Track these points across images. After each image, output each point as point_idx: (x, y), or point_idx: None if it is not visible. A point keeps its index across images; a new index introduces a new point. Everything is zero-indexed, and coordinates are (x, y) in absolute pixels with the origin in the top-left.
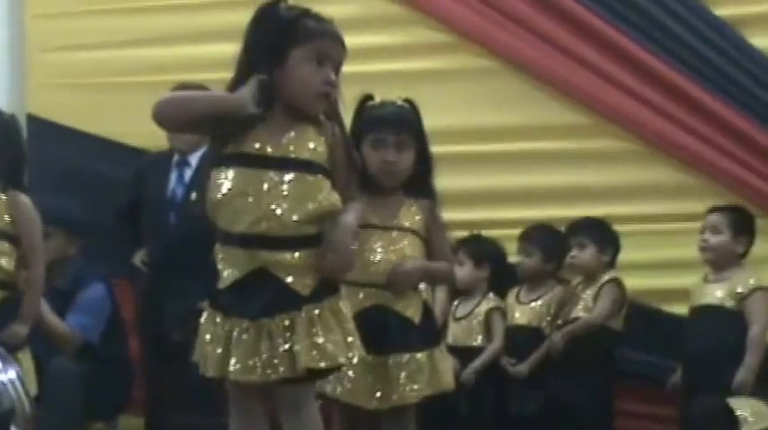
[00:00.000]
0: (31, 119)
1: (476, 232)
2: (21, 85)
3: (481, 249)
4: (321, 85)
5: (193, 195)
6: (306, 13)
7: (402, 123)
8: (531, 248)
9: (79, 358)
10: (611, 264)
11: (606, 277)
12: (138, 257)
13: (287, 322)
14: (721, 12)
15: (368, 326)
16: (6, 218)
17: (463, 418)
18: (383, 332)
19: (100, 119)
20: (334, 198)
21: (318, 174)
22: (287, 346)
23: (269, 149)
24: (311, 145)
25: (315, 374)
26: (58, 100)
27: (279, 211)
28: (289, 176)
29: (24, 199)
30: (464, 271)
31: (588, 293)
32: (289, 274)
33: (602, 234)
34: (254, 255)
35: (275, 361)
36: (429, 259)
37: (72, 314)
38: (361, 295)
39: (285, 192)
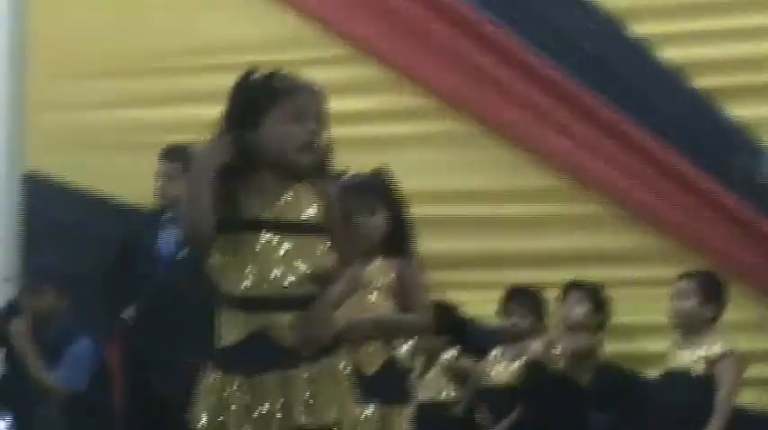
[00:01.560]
0: (27, 178)
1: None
2: (18, 144)
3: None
4: (303, 136)
5: (180, 254)
6: (275, 74)
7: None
8: (523, 310)
9: (66, 409)
10: (601, 327)
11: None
12: (128, 314)
13: (282, 380)
14: (700, 83)
15: None
16: None
17: None
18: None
19: (95, 177)
20: (329, 260)
21: (313, 235)
22: (279, 405)
23: (263, 214)
24: (305, 206)
25: None
26: (54, 159)
27: (273, 275)
28: (283, 239)
29: None
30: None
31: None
32: (287, 335)
33: (597, 297)
34: (253, 318)
35: (267, 419)
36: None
37: (60, 367)
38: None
39: (281, 254)
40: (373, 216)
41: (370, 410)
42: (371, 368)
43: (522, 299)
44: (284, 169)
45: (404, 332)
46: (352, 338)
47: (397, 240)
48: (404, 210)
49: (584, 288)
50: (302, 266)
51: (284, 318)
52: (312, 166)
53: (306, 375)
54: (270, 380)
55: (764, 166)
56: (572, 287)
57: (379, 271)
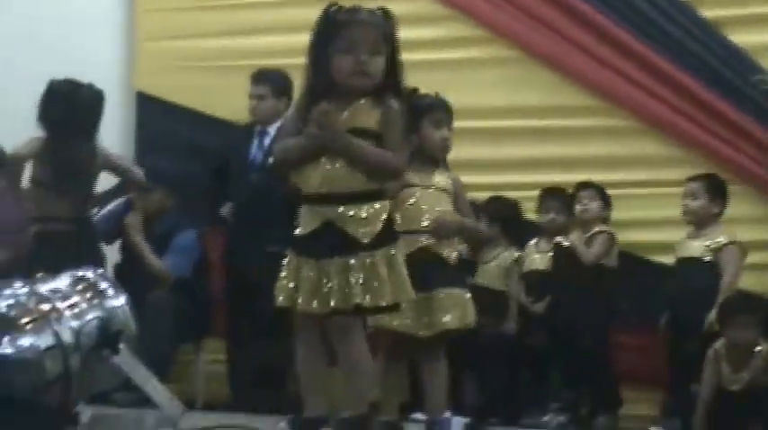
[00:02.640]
0: (139, 97)
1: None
2: (131, 68)
3: (498, 209)
4: (353, 65)
5: (271, 160)
6: (337, 10)
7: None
8: (557, 207)
9: (172, 292)
10: (606, 221)
11: (598, 229)
12: (225, 210)
13: (345, 264)
14: (707, 13)
15: (415, 266)
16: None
17: (485, 348)
18: (427, 271)
19: (196, 96)
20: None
21: (370, 139)
22: (341, 285)
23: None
24: (363, 116)
25: (362, 311)
26: (161, 80)
27: (337, 173)
28: None
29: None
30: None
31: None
32: (350, 225)
33: (604, 195)
34: (323, 211)
35: (331, 296)
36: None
37: (168, 255)
38: (411, 241)
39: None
40: (440, 130)
41: (457, 293)
42: (453, 257)
43: (556, 197)
44: (345, 90)
45: (478, 238)
46: (439, 234)
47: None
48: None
49: (594, 186)
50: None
51: (348, 211)
52: (366, 88)
53: (367, 261)
54: (333, 263)
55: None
56: (583, 186)
57: (447, 178)
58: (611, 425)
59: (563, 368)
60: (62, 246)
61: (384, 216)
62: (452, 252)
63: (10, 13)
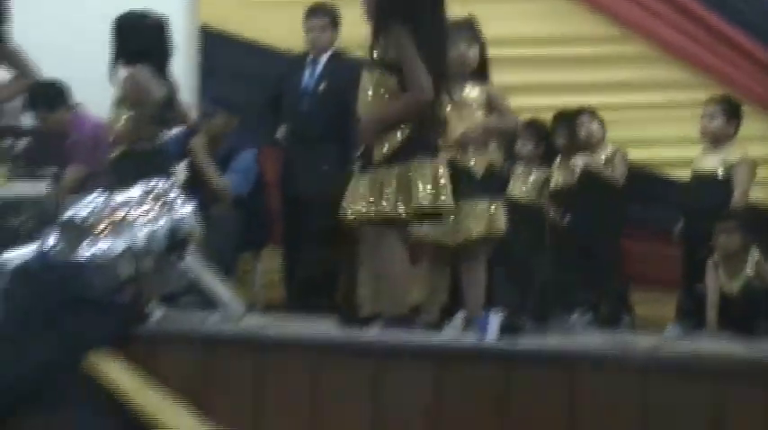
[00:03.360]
0: (203, 29)
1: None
2: (195, 3)
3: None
4: None
5: (322, 86)
6: None
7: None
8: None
9: (233, 207)
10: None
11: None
12: (280, 133)
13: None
14: None
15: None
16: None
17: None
18: (455, 184)
19: (255, 28)
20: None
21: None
22: (388, 193)
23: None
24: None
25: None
26: (222, 14)
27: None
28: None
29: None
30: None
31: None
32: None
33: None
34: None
35: (380, 203)
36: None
37: (229, 174)
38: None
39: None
40: (471, 48)
41: (483, 205)
42: (480, 171)
43: (561, 123)
44: None
45: (505, 132)
46: (467, 143)
47: (483, 68)
48: (485, 45)
49: (590, 111)
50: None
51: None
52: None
53: (411, 172)
54: (392, 171)
55: None
56: (581, 111)
57: (478, 92)
58: (633, 324)
59: (584, 274)
60: (141, 164)
61: (398, 137)
62: (481, 165)
63: None
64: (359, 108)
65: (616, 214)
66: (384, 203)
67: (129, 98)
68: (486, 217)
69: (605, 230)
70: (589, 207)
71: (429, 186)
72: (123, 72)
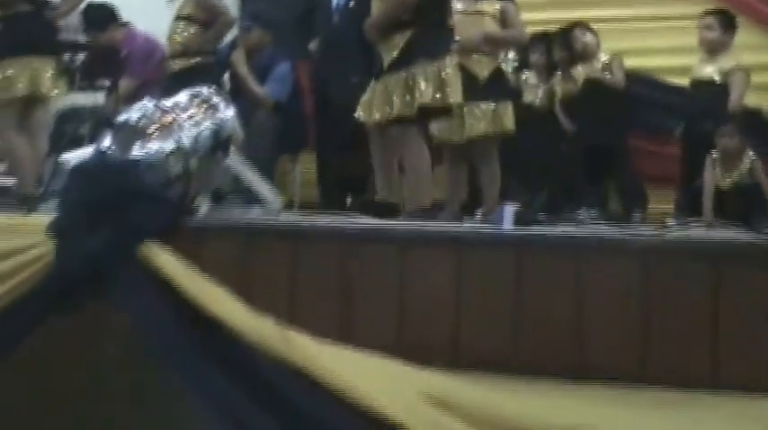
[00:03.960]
0: None
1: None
2: None
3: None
4: None
5: (352, 2)
6: None
7: None
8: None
9: (272, 113)
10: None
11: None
12: (313, 45)
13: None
14: None
15: None
16: None
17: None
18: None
19: None
20: None
21: None
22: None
23: None
24: None
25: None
26: None
27: None
28: None
29: None
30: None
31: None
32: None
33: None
34: None
35: (390, 105)
36: None
37: (268, 83)
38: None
39: None
40: None
41: (485, 106)
42: (484, 75)
43: (558, 38)
44: None
45: (513, 43)
46: (469, 48)
47: None
48: None
49: (583, 24)
50: None
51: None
52: None
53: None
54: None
55: None
56: (575, 25)
57: (494, 5)
58: (644, 219)
59: (592, 170)
60: (202, 75)
61: (400, 43)
62: (487, 69)
63: None
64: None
65: (621, 116)
66: (395, 105)
67: (200, 16)
68: (488, 117)
69: (612, 132)
70: (595, 111)
71: (431, 85)
72: None
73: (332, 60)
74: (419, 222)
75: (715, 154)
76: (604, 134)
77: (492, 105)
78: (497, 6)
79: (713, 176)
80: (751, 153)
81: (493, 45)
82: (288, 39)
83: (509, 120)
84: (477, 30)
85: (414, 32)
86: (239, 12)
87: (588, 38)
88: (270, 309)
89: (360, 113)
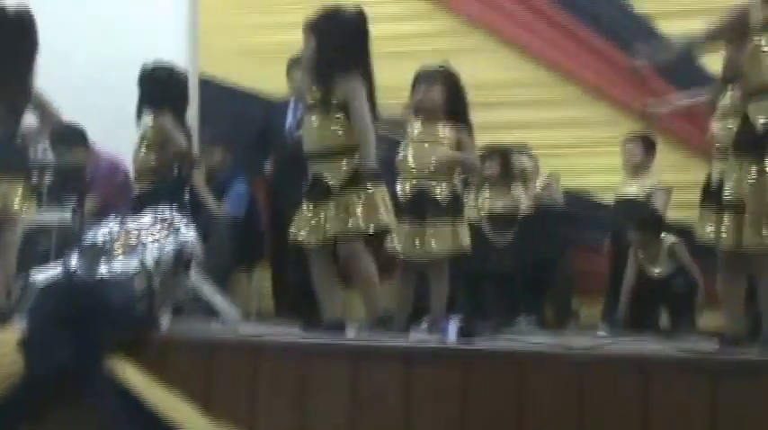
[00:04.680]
0: (202, 79)
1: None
2: (195, 58)
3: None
4: None
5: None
6: None
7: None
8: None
9: (230, 228)
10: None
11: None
12: (268, 165)
13: (331, 203)
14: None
15: (414, 204)
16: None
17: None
18: (421, 209)
19: (246, 79)
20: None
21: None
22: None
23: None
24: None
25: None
26: (218, 67)
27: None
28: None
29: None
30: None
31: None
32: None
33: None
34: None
35: (323, 228)
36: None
37: (226, 200)
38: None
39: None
40: (416, 93)
41: (444, 226)
42: (442, 196)
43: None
44: None
45: (466, 166)
46: (426, 171)
47: (456, 109)
48: (461, 91)
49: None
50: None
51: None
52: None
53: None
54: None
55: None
56: (515, 147)
57: (445, 131)
58: (578, 325)
59: (528, 283)
60: (163, 196)
61: (347, 168)
62: (443, 191)
63: (87, 12)
64: (314, 144)
65: (557, 234)
66: (339, 226)
67: (156, 141)
68: (447, 238)
69: (550, 249)
70: (534, 229)
71: (373, 208)
72: (149, 118)
73: (285, 179)
74: (369, 336)
75: (634, 248)
76: (546, 250)
77: (450, 225)
78: (452, 132)
79: (634, 271)
80: (671, 237)
81: (449, 168)
82: (245, 158)
83: (466, 239)
84: (435, 155)
85: (356, 160)
86: (199, 133)
87: (525, 159)
88: (230, 415)
89: (299, 234)
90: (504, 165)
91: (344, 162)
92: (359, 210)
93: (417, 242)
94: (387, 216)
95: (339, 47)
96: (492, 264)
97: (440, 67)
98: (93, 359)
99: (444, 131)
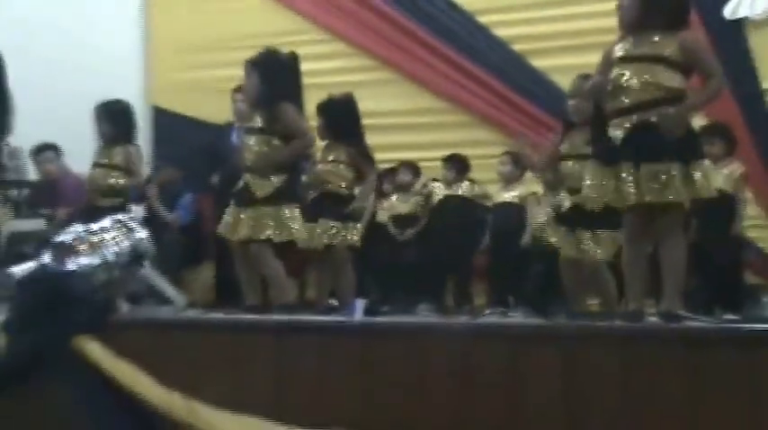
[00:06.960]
0: (154, 108)
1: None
2: (148, 89)
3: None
4: None
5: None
6: None
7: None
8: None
9: (179, 233)
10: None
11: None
12: (214, 180)
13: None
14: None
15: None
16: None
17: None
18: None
19: (193, 107)
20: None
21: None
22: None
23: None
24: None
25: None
26: (168, 98)
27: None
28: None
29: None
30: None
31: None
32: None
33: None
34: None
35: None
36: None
37: (176, 210)
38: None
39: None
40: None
41: (333, 224)
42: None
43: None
44: None
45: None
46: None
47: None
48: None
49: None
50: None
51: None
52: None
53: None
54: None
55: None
56: (447, 158)
57: (344, 152)
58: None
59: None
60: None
61: (279, 181)
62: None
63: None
64: (250, 161)
65: (473, 229)
66: (265, 233)
67: (121, 166)
68: (334, 232)
69: (441, 244)
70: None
71: (279, 224)
72: (119, 149)
73: (228, 192)
74: (288, 316)
75: None
76: (438, 245)
77: (339, 224)
78: (345, 154)
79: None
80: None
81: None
82: (193, 173)
83: (354, 235)
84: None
85: (288, 177)
86: (152, 155)
87: (407, 176)
88: (177, 385)
89: (224, 232)
90: (415, 175)
91: (274, 179)
92: (272, 223)
93: (315, 235)
94: (297, 232)
95: (280, 81)
96: (396, 256)
97: (345, 95)
98: (62, 340)
99: (341, 154)
